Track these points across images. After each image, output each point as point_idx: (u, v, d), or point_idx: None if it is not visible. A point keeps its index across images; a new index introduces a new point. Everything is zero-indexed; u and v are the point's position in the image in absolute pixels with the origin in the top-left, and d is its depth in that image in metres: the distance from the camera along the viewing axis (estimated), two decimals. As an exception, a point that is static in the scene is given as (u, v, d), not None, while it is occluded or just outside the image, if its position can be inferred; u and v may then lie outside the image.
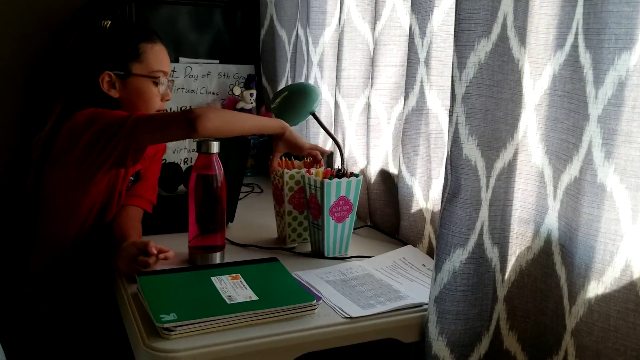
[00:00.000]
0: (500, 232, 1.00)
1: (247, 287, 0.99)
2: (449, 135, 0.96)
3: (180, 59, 1.98)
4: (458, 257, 0.95)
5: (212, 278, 1.01)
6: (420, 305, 1.01)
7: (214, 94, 2.01)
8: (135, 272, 1.02)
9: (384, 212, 1.43)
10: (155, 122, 1.15)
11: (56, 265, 1.25)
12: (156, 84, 1.29)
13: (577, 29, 0.91)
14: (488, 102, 0.93)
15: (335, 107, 1.55)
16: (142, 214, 1.32)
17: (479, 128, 0.93)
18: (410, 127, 1.25)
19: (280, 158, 1.34)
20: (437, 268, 0.96)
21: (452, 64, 0.94)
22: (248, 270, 1.06)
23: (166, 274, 1.03)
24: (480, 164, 0.93)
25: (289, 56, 1.91)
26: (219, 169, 1.15)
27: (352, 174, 1.24)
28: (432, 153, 1.21)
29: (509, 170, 0.99)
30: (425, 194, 1.25)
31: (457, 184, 0.94)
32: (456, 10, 0.93)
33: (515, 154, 0.99)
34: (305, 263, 1.20)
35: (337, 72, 1.52)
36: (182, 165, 1.95)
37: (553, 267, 0.96)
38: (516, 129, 0.98)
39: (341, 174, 1.24)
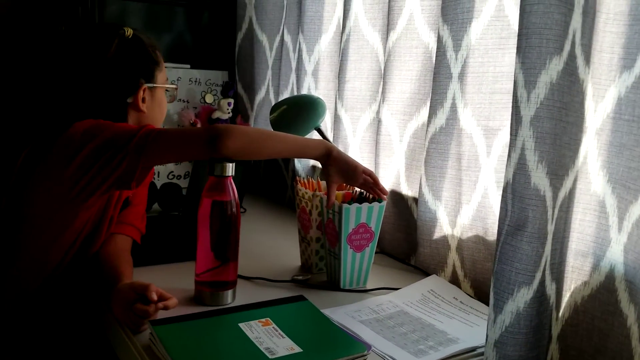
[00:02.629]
0: (558, 267, 0.91)
1: (284, 335, 0.85)
2: (510, 161, 0.86)
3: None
4: (522, 297, 0.85)
5: (240, 325, 0.87)
6: (474, 349, 0.91)
7: (184, 101, 1.84)
8: (149, 322, 0.86)
9: (394, 236, 1.32)
10: (171, 137, 1.00)
11: (31, 300, 1.06)
12: (167, 91, 1.18)
13: (652, 49, 0.84)
14: (557, 126, 0.84)
15: (335, 121, 1.44)
16: (131, 243, 1.15)
17: (548, 154, 0.84)
18: (436, 147, 1.15)
19: (304, 178, 1.21)
20: (497, 308, 0.87)
21: (516, 83, 0.85)
22: (277, 312, 0.92)
23: (186, 321, 0.87)
24: (548, 193, 0.85)
25: (270, 63, 1.77)
26: (233, 194, 1.00)
27: (374, 199, 1.12)
28: (463, 176, 1.12)
29: (569, 199, 0.91)
30: (452, 219, 1.16)
31: (523, 215, 0.85)
32: (521, 24, 0.84)
33: (575, 181, 0.91)
34: (322, 296, 1.07)
35: (339, 84, 1.41)
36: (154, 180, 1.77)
37: (617, 305, 0.89)
38: (577, 155, 0.90)
39: (362, 197, 1.13)
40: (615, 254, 0.90)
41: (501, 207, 0.89)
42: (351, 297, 1.08)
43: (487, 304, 1.08)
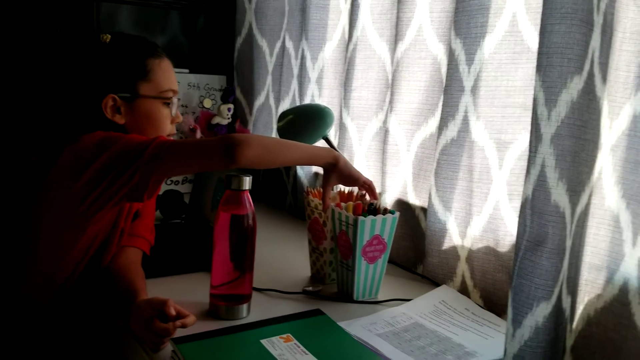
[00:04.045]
0: (573, 280, 0.93)
1: (307, 351, 0.85)
2: (529, 177, 0.87)
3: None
4: (542, 312, 0.86)
5: (262, 341, 0.87)
6: (492, 362, 0.93)
7: (182, 106, 1.82)
8: (171, 339, 0.85)
9: (399, 245, 1.33)
10: (185, 149, 0.99)
11: (43, 313, 1.05)
12: (167, 104, 1.12)
13: (670, 68, 0.86)
14: (577, 143, 0.85)
15: (340, 129, 1.44)
16: (141, 256, 1.14)
17: (568, 172, 0.85)
18: (447, 158, 1.16)
19: (315, 189, 1.21)
20: (516, 323, 0.88)
21: (536, 101, 0.86)
22: (296, 328, 0.93)
23: (208, 338, 0.87)
24: (567, 210, 0.86)
25: (270, 69, 1.77)
26: (250, 207, 1.00)
27: (386, 210, 1.13)
28: (474, 188, 1.13)
29: (584, 214, 0.92)
30: (462, 230, 1.17)
31: (543, 232, 0.86)
32: (542, 43, 0.85)
33: (590, 196, 0.93)
34: (335, 308, 1.07)
35: (345, 92, 1.41)
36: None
37: (630, 318, 0.91)
38: (593, 171, 0.91)
39: (373, 208, 1.13)
40: (629, 268, 0.91)
41: (519, 223, 0.90)
42: (364, 308, 1.09)
43: (498, 314, 1.10)
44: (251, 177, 1.00)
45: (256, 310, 1.03)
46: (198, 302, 1.04)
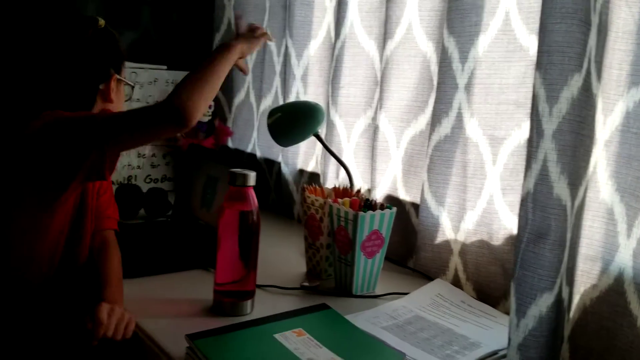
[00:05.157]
0: (571, 271, 0.96)
1: (321, 345, 0.86)
2: (529, 172, 0.90)
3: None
4: (545, 302, 0.89)
5: (276, 336, 0.87)
6: (496, 352, 0.95)
7: (160, 103, 1.79)
8: (187, 336, 0.85)
9: (390, 239, 1.33)
10: (132, 119, 0.99)
11: (16, 323, 1.01)
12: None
13: (662, 67, 0.90)
14: (576, 139, 0.89)
15: (328, 126, 1.45)
16: (114, 234, 1.15)
17: (569, 166, 0.88)
18: (441, 154, 1.18)
19: (311, 184, 1.22)
20: (520, 313, 0.91)
21: (536, 97, 0.89)
22: (306, 322, 0.93)
23: (222, 333, 0.87)
24: (568, 203, 0.89)
25: (250, 66, 1.76)
26: (254, 203, 1.00)
27: (383, 206, 1.14)
28: (468, 183, 1.16)
29: (581, 207, 0.96)
30: (456, 225, 1.19)
31: (545, 224, 0.89)
32: (542, 42, 0.88)
33: (585, 190, 0.97)
34: (334, 303, 1.07)
35: (333, 90, 1.42)
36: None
37: (626, 306, 0.95)
38: (588, 165, 0.95)
39: (369, 203, 1.15)
40: (624, 259, 0.95)
41: (520, 216, 0.93)
42: (364, 303, 1.10)
43: (492, 305, 1.13)
44: (255, 173, 1.00)
45: (258, 306, 1.03)
46: (200, 299, 1.04)
